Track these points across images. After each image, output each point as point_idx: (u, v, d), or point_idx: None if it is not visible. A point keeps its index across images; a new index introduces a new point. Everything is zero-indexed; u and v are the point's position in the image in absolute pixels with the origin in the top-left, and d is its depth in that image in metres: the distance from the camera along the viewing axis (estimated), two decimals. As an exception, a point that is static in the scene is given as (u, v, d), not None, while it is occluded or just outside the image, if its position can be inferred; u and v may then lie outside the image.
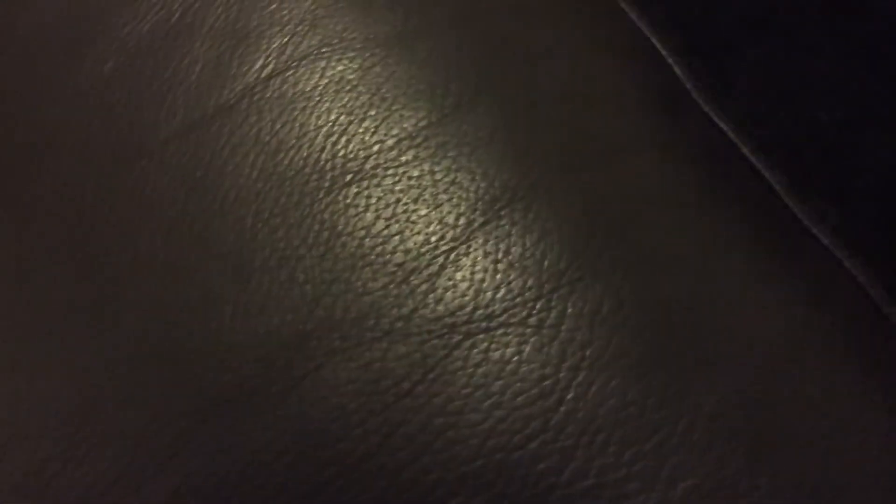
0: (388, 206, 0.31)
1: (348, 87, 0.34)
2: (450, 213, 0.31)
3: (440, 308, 0.29)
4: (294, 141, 0.33)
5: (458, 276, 0.29)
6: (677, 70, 0.41)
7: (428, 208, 0.31)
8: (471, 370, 0.27)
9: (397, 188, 0.32)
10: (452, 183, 0.32)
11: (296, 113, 0.34)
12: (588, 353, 0.27)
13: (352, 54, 0.35)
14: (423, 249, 0.30)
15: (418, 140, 0.33)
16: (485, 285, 0.29)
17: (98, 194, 0.33)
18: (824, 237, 0.36)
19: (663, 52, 0.42)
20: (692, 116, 0.40)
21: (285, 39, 0.35)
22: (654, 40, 0.42)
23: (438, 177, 0.32)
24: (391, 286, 0.29)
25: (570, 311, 0.28)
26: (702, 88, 0.40)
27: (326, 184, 0.32)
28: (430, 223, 0.31)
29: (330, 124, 0.33)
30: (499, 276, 0.29)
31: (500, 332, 0.28)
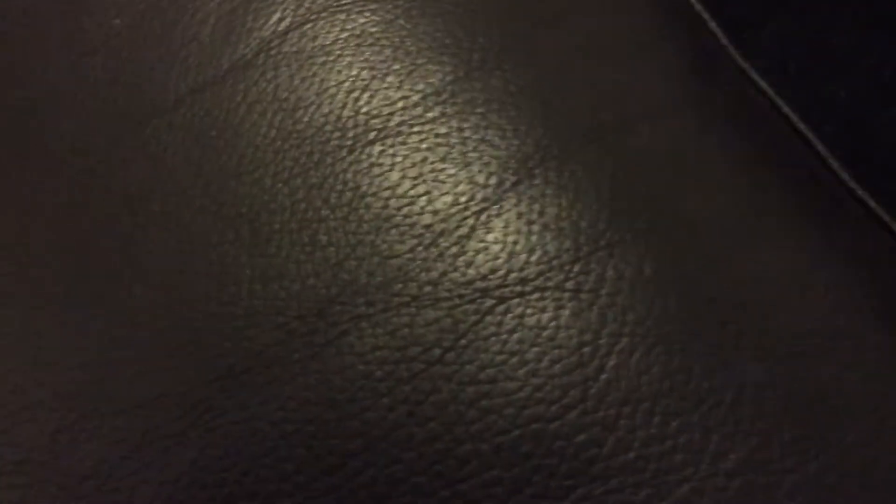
0: (414, 164, 0.29)
1: (370, 41, 0.33)
2: (480, 172, 0.29)
3: (471, 272, 0.27)
4: (314, 97, 0.31)
5: (490, 238, 0.28)
6: (715, 30, 0.39)
7: (456, 167, 0.29)
8: (505, 336, 0.26)
9: (423, 146, 0.30)
10: (482, 140, 0.30)
11: (315, 68, 0.32)
12: (629, 318, 0.26)
13: (373, 6, 0.33)
14: (452, 210, 0.28)
15: (445, 96, 0.31)
16: (518, 248, 0.27)
17: (106, 156, 0.32)
18: (874, 206, 0.34)
19: (703, 15, 0.40)
20: (728, 77, 0.38)
21: (303, -9, 0.34)
22: (697, 7, 0.40)
23: (467, 134, 0.30)
24: (419, 249, 0.28)
25: (609, 274, 0.27)
26: (746, 57, 0.38)
27: (349, 142, 0.30)
28: (458, 183, 0.29)
29: (351, 80, 0.32)
30: (533, 237, 0.28)
31: (535, 296, 0.26)
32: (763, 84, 0.37)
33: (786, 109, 0.37)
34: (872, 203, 0.35)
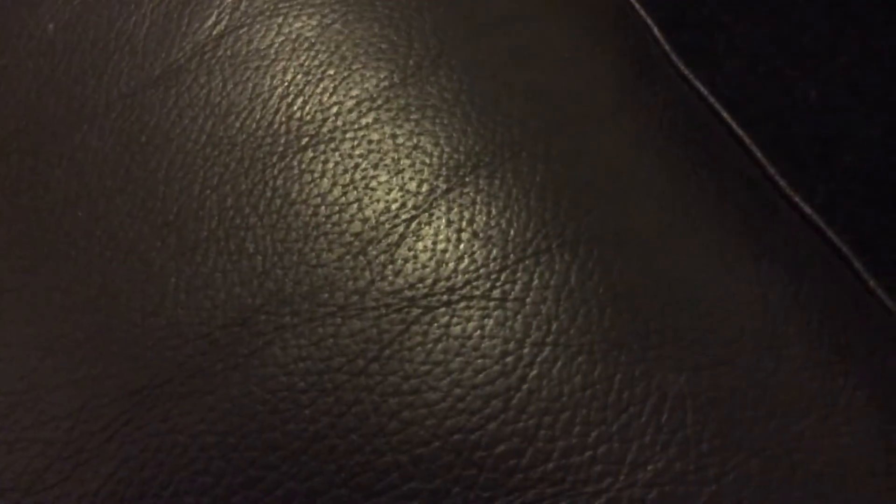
0: (345, 171, 0.29)
1: (306, 46, 0.32)
2: (411, 179, 0.29)
3: (399, 280, 0.27)
4: (246, 103, 0.31)
5: (419, 246, 0.28)
6: (663, 42, 0.39)
7: (388, 174, 0.29)
8: (430, 346, 0.26)
9: (356, 153, 0.30)
10: (415, 148, 0.30)
11: (249, 73, 0.32)
12: (553, 327, 0.25)
13: (310, 10, 0.33)
14: (382, 218, 0.28)
15: (379, 102, 0.31)
16: (447, 256, 0.27)
17: (34, 162, 0.31)
18: (811, 212, 0.35)
19: (650, 25, 0.40)
20: (669, 82, 0.38)
21: (238, -5, 0.33)
22: (641, 13, 0.40)
23: (400, 141, 0.30)
24: (347, 257, 0.27)
25: (535, 283, 0.26)
26: (688, 63, 0.38)
27: (280, 148, 0.30)
28: (390, 190, 0.29)
29: (285, 85, 0.31)
30: (462, 246, 0.28)
31: (461, 305, 0.26)
32: (703, 90, 0.37)
33: (725, 116, 0.37)
34: (808, 209, 0.35)
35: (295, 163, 0.29)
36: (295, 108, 0.31)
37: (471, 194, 0.29)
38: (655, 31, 0.39)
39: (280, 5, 0.33)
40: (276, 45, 0.32)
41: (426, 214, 0.28)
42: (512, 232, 0.28)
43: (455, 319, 0.26)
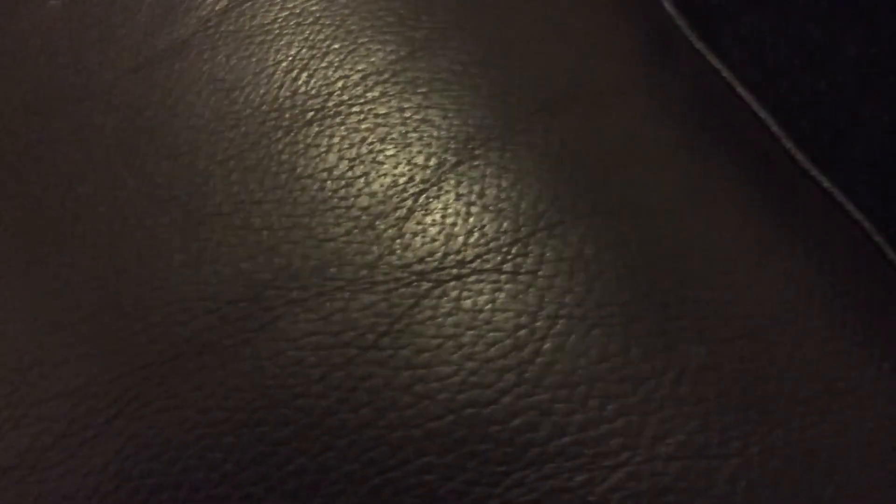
0: (352, 146, 0.29)
1: (311, 20, 0.32)
2: (420, 153, 0.28)
3: (408, 255, 0.26)
4: (251, 77, 0.30)
5: (428, 220, 0.27)
6: (676, 17, 0.38)
7: (396, 148, 0.29)
8: (440, 320, 0.25)
9: (363, 127, 0.29)
10: (423, 121, 0.29)
11: (253, 47, 0.31)
12: (567, 300, 0.25)
13: (314, -16, 0.32)
14: (390, 192, 0.28)
15: (386, 75, 0.30)
16: (456, 229, 0.27)
17: (38, 138, 0.31)
18: (829, 186, 0.34)
19: (671, 12, 0.39)
20: (684, 58, 0.37)
21: (242, -32, 0.33)
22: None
23: (408, 114, 0.29)
24: (355, 232, 0.27)
25: (548, 255, 0.26)
26: (702, 38, 0.38)
27: (285, 123, 0.29)
28: (398, 164, 0.28)
29: (290, 59, 0.31)
30: (472, 219, 0.27)
31: (472, 278, 0.26)
32: (719, 66, 0.37)
33: (742, 92, 0.36)
34: (827, 184, 0.34)
35: (300, 137, 0.29)
36: (300, 82, 0.30)
37: (481, 167, 0.28)
38: (668, 6, 0.39)
39: (285, -20, 0.33)
40: (281, 19, 0.32)
41: (435, 188, 0.28)
42: (524, 204, 0.27)
43: (466, 293, 0.25)
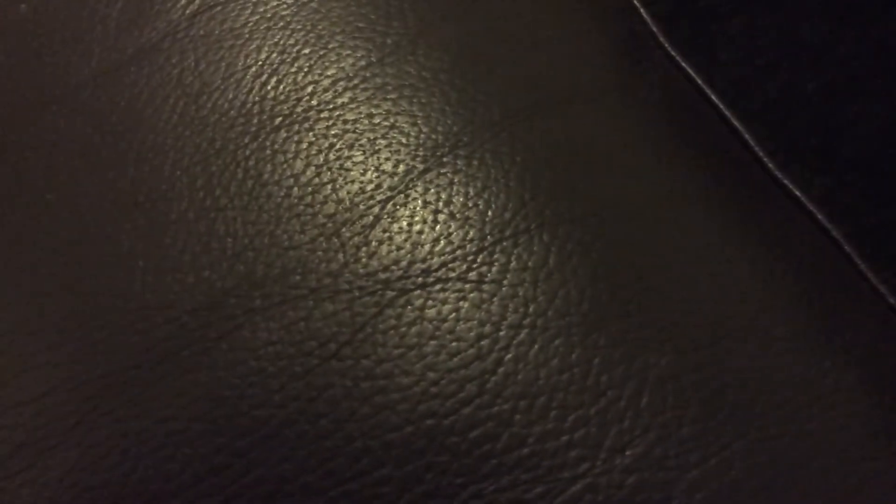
0: (319, 152, 0.29)
1: (281, 24, 0.32)
2: (388, 159, 0.28)
3: (373, 263, 0.26)
4: (219, 82, 0.30)
5: (395, 227, 0.27)
6: (651, 24, 0.38)
7: (364, 155, 0.28)
8: (403, 329, 0.25)
9: (331, 133, 0.29)
10: (392, 127, 0.29)
11: (222, 52, 0.31)
12: (531, 309, 0.25)
13: (285, -11, 0.32)
14: (356, 199, 0.27)
15: (356, 81, 0.30)
16: (423, 238, 0.27)
17: (5, 144, 0.30)
18: (800, 196, 0.34)
19: (637, 6, 0.39)
20: (658, 65, 0.37)
21: (212, -28, 0.32)
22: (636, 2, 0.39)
23: (376, 121, 0.29)
24: (320, 239, 0.27)
25: (512, 264, 0.26)
26: (676, 45, 0.37)
27: (253, 128, 0.29)
28: (365, 171, 0.28)
29: (259, 64, 0.30)
30: (438, 227, 0.27)
31: (437, 287, 0.26)
32: (691, 72, 0.37)
33: (714, 98, 0.36)
34: (798, 193, 0.34)
35: (268, 143, 0.29)
36: (269, 87, 0.30)
37: (448, 175, 0.28)
38: (643, 12, 0.38)
39: (256, -16, 0.33)
40: (251, 23, 0.32)
41: (402, 195, 0.27)
42: (490, 213, 0.27)
43: (430, 302, 0.25)
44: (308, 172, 0.28)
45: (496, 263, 0.26)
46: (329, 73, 0.30)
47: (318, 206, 0.27)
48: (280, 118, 0.29)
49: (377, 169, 0.28)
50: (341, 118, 0.29)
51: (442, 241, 0.26)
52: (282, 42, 0.31)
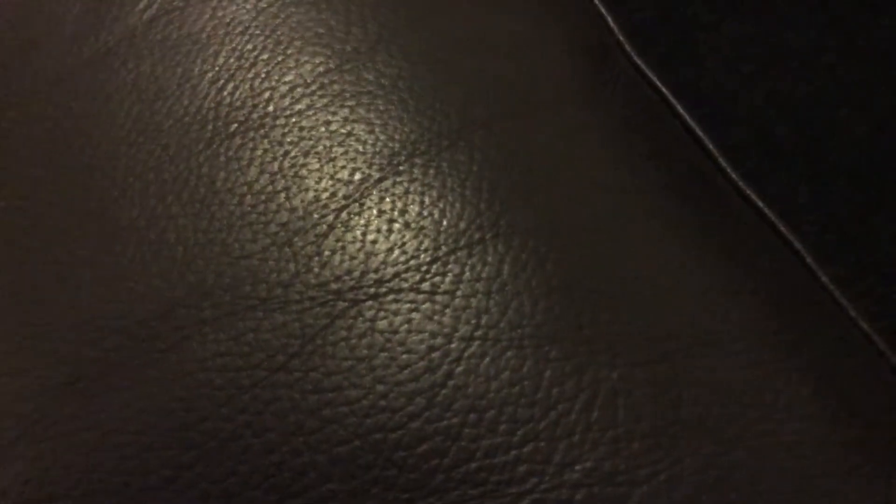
0: (274, 159, 0.28)
1: (240, 30, 0.31)
2: (343, 168, 0.28)
3: (325, 273, 0.26)
4: (175, 88, 0.30)
5: (348, 237, 0.27)
6: (616, 32, 0.38)
7: (319, 162, 0.28)
8: (354, 341, 0.24)
9: (287, 140, 0.29)
10: (348, 135, 0.29)
11: (179, 57, 0.31)
12: (483, 321, 0.24)
13: (244, -6, 0.32)
14: (310, 208, 0.27)
15: (313, 88, 0.30)
16: (376, 247, 0.26)
17: (-44, 147, 0.30)
18: (762, 205, 0.34)
19: (604, 14, 0.39)
20: (622, 73, 0.37)
21: (169, -24, 0.32)
22: (596, 2, 0.39)
23: (333, 128, 0.29)
24: (272, 248, 0.26)
25: (466, 275, 0.25)
26: (642, 53, 0.37)
27: (207, 135, 0.29)
28: (320, 179, 0.28)
29: (216, 69, 0.30)
30: (392, 236, 0.27)
31: (389, 298, 0.25)
32: (657, 81, 0.37)
33: (679, 108, 0.36)
34: (760, 203, 0.34)
35: (222, 150, 0.28)
36: (225, 93, 0.30)
37: (404, 184, 0.28)
38: (609, 20, 0.38)
39: (216, -12, 0.32)
40: (209, 29, 0.31)
41: (357, 204, 0.27)
42: (445, 223, 0.27)
43: (382, 313, 0.25)
44: (262, 180, 0.28)
45: (450, 274, 0.25)
46: (286, 79, 0.30)
47: (271, 214, 0.27)
48: (235, 124, 0.29)
49: (332, 177, 0.28)
50: (297, 125, 0.29)
51: (396, 251, 0.26)
52: (240, 48, 0.31)
